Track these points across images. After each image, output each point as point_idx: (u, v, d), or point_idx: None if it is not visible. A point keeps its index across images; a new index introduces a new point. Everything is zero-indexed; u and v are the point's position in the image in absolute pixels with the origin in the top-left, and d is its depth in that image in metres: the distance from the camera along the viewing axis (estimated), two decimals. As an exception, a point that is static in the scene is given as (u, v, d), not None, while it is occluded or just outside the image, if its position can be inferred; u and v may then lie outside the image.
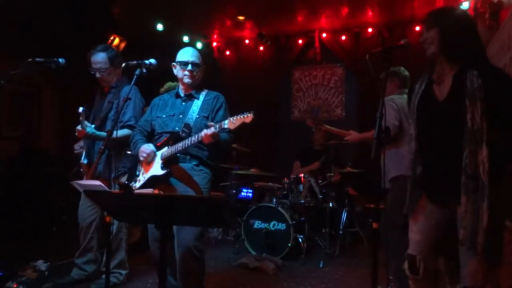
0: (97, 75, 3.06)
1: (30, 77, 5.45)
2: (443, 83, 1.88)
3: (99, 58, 3.02)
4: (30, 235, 4.43)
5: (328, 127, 3.73)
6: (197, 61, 2.54)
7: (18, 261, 3.26)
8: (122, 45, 5.32)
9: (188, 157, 2.44)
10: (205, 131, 2.24)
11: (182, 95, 2.59)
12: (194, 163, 2.45)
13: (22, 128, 5.87)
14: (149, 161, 2.49)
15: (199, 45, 6.24)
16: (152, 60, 2.37)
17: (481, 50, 1.90)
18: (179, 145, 2.37)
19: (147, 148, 2.48)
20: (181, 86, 2.62)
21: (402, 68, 3.14)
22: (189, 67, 2.50)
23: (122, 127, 2.90)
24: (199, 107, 2.52)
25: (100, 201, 1.99)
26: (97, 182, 2.09)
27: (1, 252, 3.41)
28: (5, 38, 4.69)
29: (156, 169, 2.43)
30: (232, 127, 2.16)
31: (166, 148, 2.45)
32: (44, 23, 4.74)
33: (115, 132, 2.79)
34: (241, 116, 2.14)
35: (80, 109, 2.80)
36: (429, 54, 1.90)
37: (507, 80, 1.80)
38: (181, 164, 2.44)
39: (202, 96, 2.58)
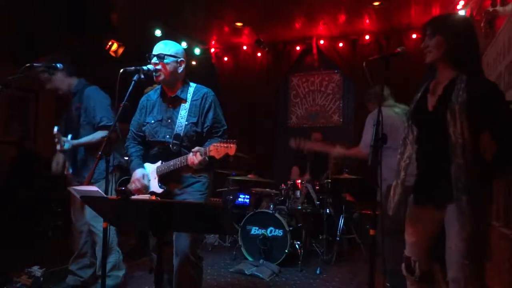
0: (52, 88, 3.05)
1: (27, 82, 5.44)
2: (436, 93, 1.92)
3: (43, 77, 2.99)
4: (25, 240, 4.40)
5: (312, 145, 3.73)
6: (163, 52, 2.35)
7: (13, 267, 3.24)
8: (120, 50, 5.33)
9: (185, 166, 2.39)
10: (190, 157, 2.19)
11: (167, 96, 2.46)
12: (191, 171, 2.40)
13: (19, 132, 5.86)
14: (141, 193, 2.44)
15: (197, 51, 6.26)
16: (150, 66, 2.35)
17: (479, 59, 1.93)
18: (171, 164, 2.33)
19: (140, 179, 2.38)
20: None
21: (382, 88, 3.15)
22: (153, 60, 2.35)
23: (97, 130, 2.94)
24: (187, 111, 2.41)
25: (97, 207, 1.98)
26: (94, 188, 2.08)
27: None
28: (3, 43, 4.69)
29: (154, 185, 2.41)
30: (217, 157, 2.08)
31: (159, 162, 2.41)
32: (43, 28, 4.75)
33: (89, 137, 2.93)
34: (225, 146, 2.06)
35: (55, 129, 2.80)
36: (427, 61, 1.94)
37: (495, 96, 1.81)
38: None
39: (189, 95, 2.43)
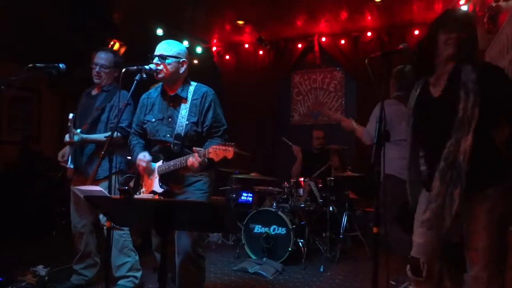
0: (97, 69, 3.06)
1: (30, 82, 5.46)
2: (440, 82, 1.91)
3: (105, 55, 3.09)
4: (30, 240, 4.42)
5: (329, 112, 4.17)
6: (164, 53, 2.37)
7: (18, 266, 3.26)
8: (122, 50, 5.34)
9: (185, 167, 2.37)
10: (191, 159, 2.20)
11: (168, 94, 2.47)
12: (192, 171, 2.38)
13: (22, 132, 5.88)
14: (149, 174, 2.46)
15: (199, 49, 6.26)
16: (152, 66, 2.36)
17: (478, 53, 1.94)
18: (171, 164, 2.33)
19: (143, 159, 2.39)
20: None
21: (407, 67, 3.13)
22: (155, 60, 2.37)
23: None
24: (187, 110, 2.41)
25: (101, 207, 1.99)
26: (98, 188, 2.09)
27: (0, 257, 3.40)
28: (6, 43, 4.71)
29: (155, 185, 2.41)
30: (216, 159, 2.09)
31: (161, 162, 2.42)
32: (45, 28, 4.76)
33: (101, 135, 2.90)
34: (223, 149, 2.05)
35: (70, 115, 2.79)
36: (446, 56, 1.88)
37: (502, 76, 1.80)
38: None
39: (190, 95, 2.44)
